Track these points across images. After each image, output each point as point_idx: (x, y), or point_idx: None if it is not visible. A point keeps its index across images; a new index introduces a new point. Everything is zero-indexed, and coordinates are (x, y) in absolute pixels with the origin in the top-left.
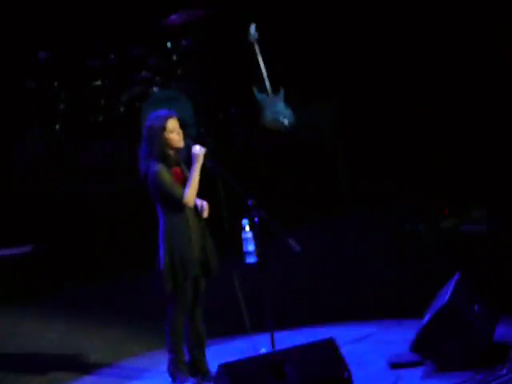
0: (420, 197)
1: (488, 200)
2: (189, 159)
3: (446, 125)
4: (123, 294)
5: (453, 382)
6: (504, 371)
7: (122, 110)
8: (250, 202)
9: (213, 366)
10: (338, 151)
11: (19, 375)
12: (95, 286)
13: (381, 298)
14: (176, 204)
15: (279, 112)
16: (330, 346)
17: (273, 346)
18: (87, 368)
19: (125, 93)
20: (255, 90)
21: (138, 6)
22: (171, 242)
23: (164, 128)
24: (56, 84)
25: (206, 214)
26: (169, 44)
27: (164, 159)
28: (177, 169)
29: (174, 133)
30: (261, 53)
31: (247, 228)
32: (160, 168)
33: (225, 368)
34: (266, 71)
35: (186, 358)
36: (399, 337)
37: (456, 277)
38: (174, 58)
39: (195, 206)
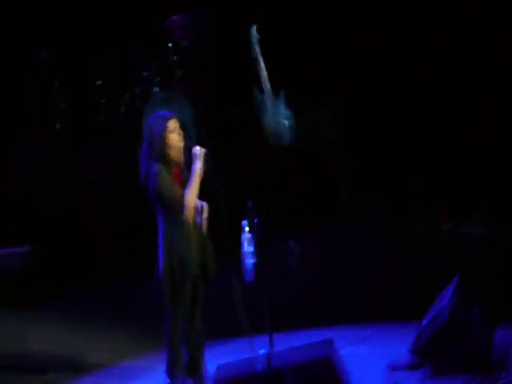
0: (420, 199)
1: (488, 202)
2: (189, 160)
3: (446, 127)
4: (123, 295)
5: None
6: (503, 374)
7: (122, 110)
8: (249, 204)
9: (211, 368)
10: (338, 156)
11: (18, 376)
12: (95, 287)
13: (380, 301)
14: (175, 205)
15: (280, 114)
16: (328, 347)
17: (271, 347)
18: (86, 369)
19: (126, 93)
20: (256, 92)
21: (140, 6)
22: (170, 243)
23: (165, 129)
24: (56, 84)
25: (205, 215)
26: (170, 45)
27: (164, 160)
28: (177, 170)
29: (174, 133)
30: (262, 55)
31: (246, 229)
32: (160, 169)
33: (222, 369)
34: (267, 73)
35: (184, 359)
36: (398, 340)
37: (455, 280)
38: (175, 58)
39: (194, 208)
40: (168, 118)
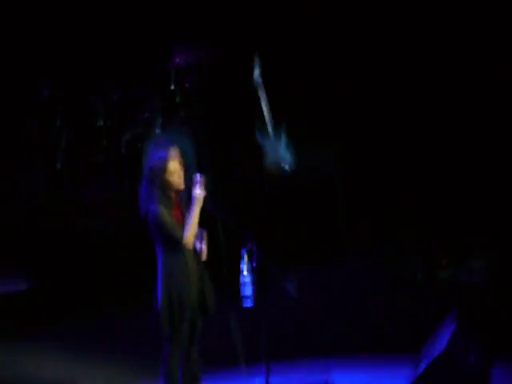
0: (419, 245)
1: (488, 250)
2: (189, 200)
3: (448, 171)
4: (121, 326)
5: None
6: None
7: (123, 150)
8: (248, 245)
9: None
10: (338, 194)
11: None
12: (93, 318)
13: (378, 335)
14: (175, 245)
15: (280, 157)
16: None
17: (267, 379)
18: None
19: (126, 133)
20: (257, 134)
21: (141, 46)
22: (169, 281)
23: (165, 170)
24: (57, 122)
25: (204, 258)
26: (172, 86)
27: (164, 201)
28: (177, 210)
29: (174, 175)
30: (265, 97)
31: (245, 272)
32: (160, 209)
33: None
34: (269, 115)
35: None
36: (396, 372)
37: (453, 315)
38: (177, 99)
39: (194, 247)
40: (168, 159)
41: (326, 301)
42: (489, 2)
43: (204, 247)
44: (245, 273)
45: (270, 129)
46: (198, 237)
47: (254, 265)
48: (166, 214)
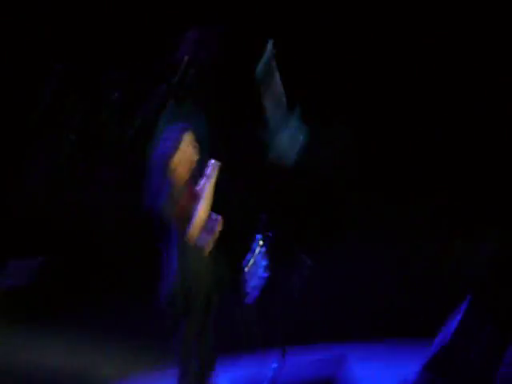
0: (433, 216)
1: (501, 221)
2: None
3: (464, 144)
4: (133, 310)
5: None
6: None
7: (138, 123)
8: (263, 217)
9: (222, 382)
10: (354, 168)
11: None
12: (105, 301)
13: (392, 317)
14: (180, 238)
15: (294, 129)
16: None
17: (283, 361)
18: None
19: (139, 108)
20: (270, 107)
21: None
22: (183, 259)
23: (169, 164)
24: (72, 96)
25: (219, 227)
26: (184, 59)
27: (171, 191)
28: (190, 183)
29: (179, 168)
30: (277, 70)
31: (260, 243)
32: (167, 201)
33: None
34: (283, 87)
35: (195, 372)
36: (410, 357)
37: (468, 299)
38: (189, 73)
39: (208, 221)
40: (182, 131)
41: (339, 275)
42: (489, 2)
43: (219, 218)
44: (259, 257)
45: (283, 102)
46: (212, 222)
47: (270, 234)
48: (169, 209)
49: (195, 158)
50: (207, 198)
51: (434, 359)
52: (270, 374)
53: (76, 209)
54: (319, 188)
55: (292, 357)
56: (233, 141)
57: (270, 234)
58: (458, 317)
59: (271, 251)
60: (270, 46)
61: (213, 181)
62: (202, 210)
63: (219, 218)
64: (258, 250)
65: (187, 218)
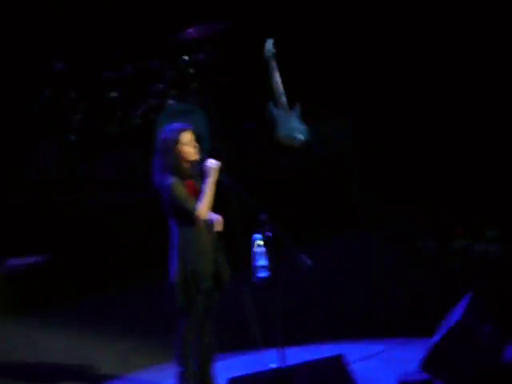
0: (433, 215)
1: (501, 220)
2: (203, 172)
3: (463, 144)
4: (134, 306)
5: None
6: None
7: (137, 122)
8: (263, 216)
9: (222, 381)
10: (354, 167)
11: None
12: (107, 297)
13: (391, 316)
14: (189, 217)
15: (294, 128)
16: (338, 362)
17: (282, 361)
18: (96, 380)
19: (140, 105)
20: (270, 105)
21: (155, 18)
22: (184, 254)
23: (178, 141)
24: (72, 94)
25: (219, 228)
26: (185, 57)
27: (178, 172)
28: (190, 182)
29: (188, 146)
30: (278, 68)
31: (259, 242)
32: (174, 181)
33: (233, 382)
34: (283, 86)
35: (195, 371)
36: (409, 355)
37: (467, 297)
38: (191, 71)
39: (209, 219)
40: (181, 130)
41: (339, 274)
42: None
43: (219, 218)
44: (258, 243)
45: (283, 101)
46: (213, 222)
47: (269, 234)
48: (179, 186)
49: (195, 156)
50: (208, 196)
51: (431, 359)
52: (271, 374)
53: (76, 207)
54: (319, 187)
55: (291, 357)
56: (233, 140)
57: (270, 234)
58: (456, 316)
59: (271, 251)
60: (269, 44)
61: (213, 180)
62: (205, 205)
63: (219, 218)
64: (257, 249)
65: (196, 195)
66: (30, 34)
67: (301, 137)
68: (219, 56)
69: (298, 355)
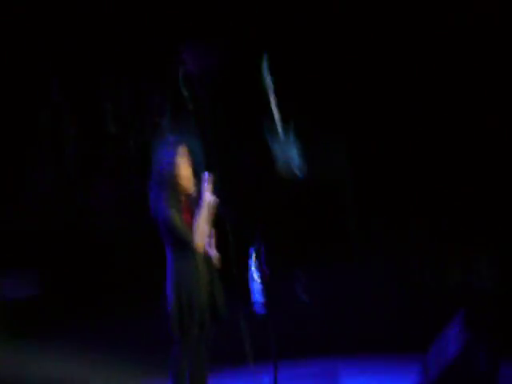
0: (429, 247)
1: (499, 255)
2: (199, 205)
3: (464, 169)
4: (129, 325)
5: None
6: None
7: (132, 151)
8: (257, 245)
9: None
10: (348, 194)
11: None
12: (102, 316)
13: (385, 334)
14: (186, 247)
15: (290, 159)
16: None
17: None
18: None
19: (135, 135)
20: (267, 135)
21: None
22: (179, 284)
23: (175, 175)
24: (67, 123)
25: (217, 265)
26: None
27: (174, 203)
28: (187, 214)
29: (184, 180)
30: (274, 96)
31: (255, 275)
32: (171, 212)
33: None
34: (279, 115)
35: None
36: (403, 373)
37: (461, 314)
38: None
39: (205, 251)
40: (177, 145)
41: (334, 301)
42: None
43: (215, 252)
44: (255, 276)
45: (279, 129)
46: (208, 239)
47: (264, 266)
48: (177, 218)
49: (190, 171)
50: (205, 213)
51: (426, 377)
52: None
53: (77, 221)
54: (317, 203)
55: (285, 370)
56: (229, 154)
57: (265, 249)
58: (452, 335)
59: (267, 265)
60: (264, 59)
61: (209, 196)
62: (202, 223)
63: (212, 232)
64: (253, 264)
65: (192, 227)
66: (29, 61)
67: (297, 168)
68: (215, 84)
69: (291, 370)
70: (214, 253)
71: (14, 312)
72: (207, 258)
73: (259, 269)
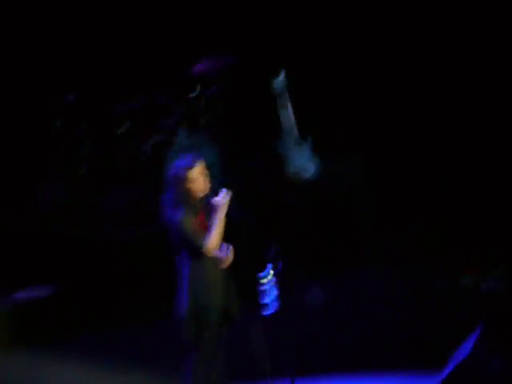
0: (443, 252)
1: (509, 258)
2: (212, 207)
3: (474, 181)
4: (142, 338)
5: None
6: None
7: (146, 156)
8: (272, 250)
9: None
10: (363, 203)
11: None
12: (115, 329)
13: (399, 351)
14: (198, 252)
15: (303, 163)
16: None
17: None
18: None
19: (150, 139)
20: (280, 142)
21: (165, 53)
22: (194, 289)
23: (187, 178)
24: (82, 127)
25: (225, 265)
26: (195, 92)
27: (187, 208)
28: (201, 217)
29: (197, 182)
30: (290, 101)
31: (267, 278)
32: (183, 216)
33: None
34: (294, 122)
35: None
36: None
37: (477, 330)
38: (200, 105)
39: (218, 254)
40: (190, 168)
41: (349, 309)
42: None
43: (230, 250)
44: (264, 281)
45: (294, 136)
46: (224, 252)
47: (279, 268)
48: (188, 222)
49: (207, 187)
50: (218, 226)
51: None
52: None
53: (83, 240)
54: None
55: None
56: (244, 169)
57: (280, 264)
58: (466, 349)
59: (281, 281)
60: (281, 76)
61: (222, 216)
62: (215, 235)
63: (230, 247)
64: (268, 279)
65: (205, 231)
66: (42, 67)
67: (310, 170)
68: (229, 89)
69: None
70: (226, 254)
71: (25, 317)
72: (219, 260)
73: (274, 272)
